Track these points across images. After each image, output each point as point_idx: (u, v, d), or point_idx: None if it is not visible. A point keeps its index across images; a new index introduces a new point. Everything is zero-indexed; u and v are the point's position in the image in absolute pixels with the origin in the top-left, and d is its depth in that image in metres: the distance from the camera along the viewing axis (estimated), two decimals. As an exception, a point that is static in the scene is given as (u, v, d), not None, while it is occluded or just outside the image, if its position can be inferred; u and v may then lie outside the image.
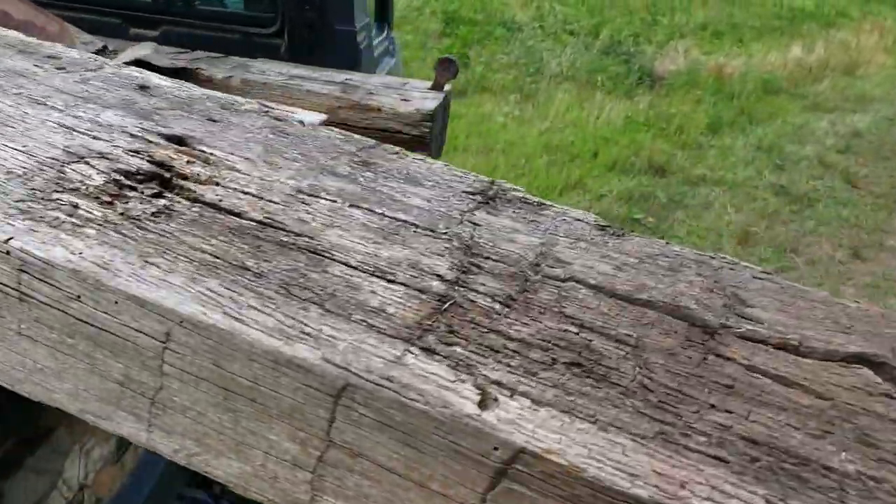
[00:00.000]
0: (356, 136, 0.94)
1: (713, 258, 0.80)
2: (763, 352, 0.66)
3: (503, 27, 8.29)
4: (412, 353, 0.57)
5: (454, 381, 0.55)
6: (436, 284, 0.67)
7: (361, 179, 0.83)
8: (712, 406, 0.58)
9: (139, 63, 1.71)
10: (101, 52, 1.77)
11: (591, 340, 0.63)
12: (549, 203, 0.86)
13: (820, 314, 0.73)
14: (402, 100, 1.82)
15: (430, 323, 0.62)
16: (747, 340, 0.67)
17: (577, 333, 0.64)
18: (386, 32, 3.37)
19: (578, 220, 0.83)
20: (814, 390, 0.62)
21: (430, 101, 1.82)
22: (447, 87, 1.95)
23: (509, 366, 0.58)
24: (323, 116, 1.61)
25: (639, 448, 0.52)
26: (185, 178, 0.77)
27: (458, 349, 0.59)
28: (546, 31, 8.47)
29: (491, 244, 0.74)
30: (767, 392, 0.61)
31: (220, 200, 0.73)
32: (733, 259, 0.81)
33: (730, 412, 0.58)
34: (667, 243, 0.82)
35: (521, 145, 6.11)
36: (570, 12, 9.14)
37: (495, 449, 0.52)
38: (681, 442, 0.54)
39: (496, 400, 0.54)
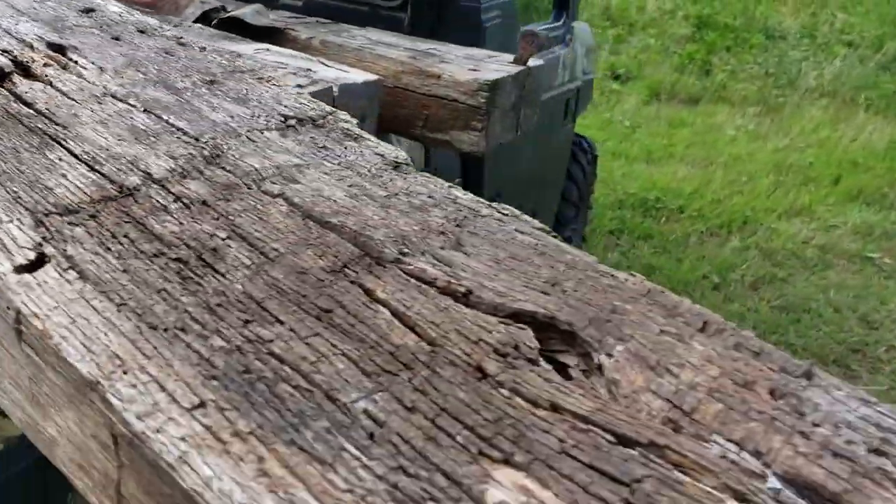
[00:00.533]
0: (240, 61, 0.99)
1: (492, 207, 0.73)
2: (418, 291, 0.60)
3: (763, 34, 7.68)
4: (21, 223, 0.61)
5: (23, 248, 0.58)
6: (133, 179, 0.69)
7: (187, 94, 0.87)
8: (277, 321, 0.55)
9: (234, 20, 1.91)
10: (216, 10, 2.00)
11: (229, 247, 0.62)
12: (370, 138, 0.84)
13: (544, 273, 0.63)
14: (470, 69, 1.81)
15: (83, 206, 0.65)
16: (412, 278, 0.61)
17: (224, 239, 0.63)
18: (563, 21, 3.34)
19: (378, 154, 0.80)
20: (427, 334, 0.55)
21: (495, 73, 1.79)
22: (532, 61, 1.90)
23: (107, 249, 0.60)
24: (371, 77, 1.66)
25: (132, 332, 0.51)
26: (29, 76, 0.88)
27: (78, 229, 0.62)
28: (816, 41, 7.70)
29: (240, 157, 0.75)
30: (368, 325, 0.55)
31: (27, 93, 0.82)
32: (518, 215, 0.73)
33: (293, 331, 0.54)
34: (451, 187, 0.76)
35: (747, 161, 5.65)
36: (852, 21, 8.19)
37: (8, 308, 0.54)
38: (187, 339, 0.52)
39: (41, 267, 0.56)
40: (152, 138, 0.77)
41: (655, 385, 0.54)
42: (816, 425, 0.51)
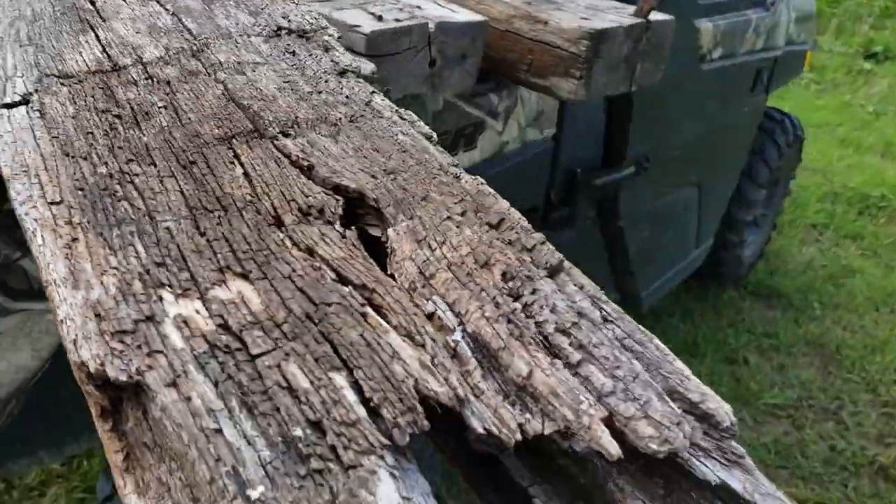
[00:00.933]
0: (279, -16, 1.20)
1: (397, 112, 0.88)
2: (274, 161, 0.77)
3: None
4: (27, 79, 0.87)
5: (17, 94, 0.83)
6: (126, 61, 0.93)
7: (216, 4, 1.10)
8: (152, 163, 0.75)
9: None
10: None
11: (159, 113, 0.84)
12: (339, 49, 1.01)
13: (391, 164, 0.78)
14: (581, 18, 1.88)
15: (80, 74, 0.90)
16: (276, 151, 0.79)
17: (160, 108, 0.85)
18: (766, -18, 3.19)
19: (334, 62, 0.97)
20: (256, 190, 0.73)
21: (606, 23, 1.84)
22: (653, 16, 1.92)
23: (73, 102, 0.84)
24: (476, 18, 1.79)
25: (48, 153, 0.74)
26: (111, -18, 1.15)
27: (64, 88, 0.86)
28: None
29: (216, 53, 0.96)
30: (216, 176, 0.74)
31: (97, -7, 1.10)
32: (415, 121, 0.87)
33: (158, 171, 0.74)
34: (373, 92, 0.91)
35: None
36: None
37: (-13, 130, 0.80)
38: (82, 164, 0.74)
39: (20, 106, 0.81)
40: (161, 35, 1.00)
41: (415, 255, 0.67)
42: (526, 305, 0.62)
